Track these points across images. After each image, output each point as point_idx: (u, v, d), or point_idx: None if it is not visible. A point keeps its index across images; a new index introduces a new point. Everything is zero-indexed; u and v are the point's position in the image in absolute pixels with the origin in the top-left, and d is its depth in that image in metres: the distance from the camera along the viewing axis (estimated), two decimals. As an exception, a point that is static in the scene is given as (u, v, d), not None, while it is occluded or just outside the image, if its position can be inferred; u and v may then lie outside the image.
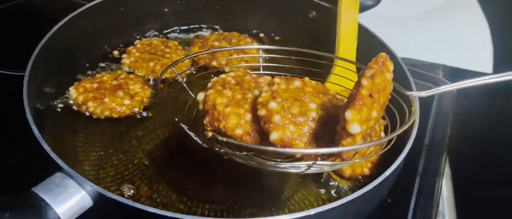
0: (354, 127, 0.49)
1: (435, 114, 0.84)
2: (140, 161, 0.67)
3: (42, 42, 0.71)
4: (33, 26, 0.94)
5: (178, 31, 0.94)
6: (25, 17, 0.97)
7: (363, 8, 0.83)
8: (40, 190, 0.50)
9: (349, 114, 0.49)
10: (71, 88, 0.75)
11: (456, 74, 0.99)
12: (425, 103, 0.83)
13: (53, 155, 0.54)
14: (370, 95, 0.50)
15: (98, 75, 0.79)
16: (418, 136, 0.63)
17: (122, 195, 0.62)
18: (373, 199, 0.62)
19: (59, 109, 0.74)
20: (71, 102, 0.74)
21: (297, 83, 0.58)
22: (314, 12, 0.88)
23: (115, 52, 0.86)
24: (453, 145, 0.82)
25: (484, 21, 1.11)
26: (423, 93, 0.64)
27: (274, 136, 0.53)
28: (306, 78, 0.60)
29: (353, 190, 0.66)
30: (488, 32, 1.07)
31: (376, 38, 0.79)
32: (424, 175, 0.74)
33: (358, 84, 0.50)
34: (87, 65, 0.82)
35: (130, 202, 0.51)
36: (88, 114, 0.73)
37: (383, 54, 0.53)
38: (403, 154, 0.60)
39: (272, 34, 0.95)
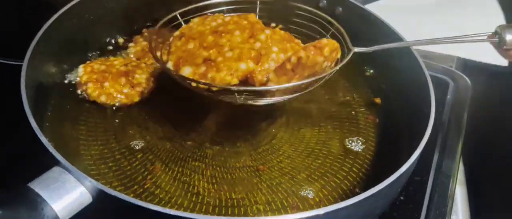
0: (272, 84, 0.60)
1: (450, 109, 0.81)
2: (143, 156, 0.65)
3: (41, 31, 0.68)
4: (34, 14, 0.91)
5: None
6: (26, 4, 0.95)
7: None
8: (36, 186, 0.47)
9: (271, 75, 0.60)
10: (80, 66, 0.73)
11: (469, 65, 0.96)
12: (439, 97, 0.81)
13: (50, 148, 0.51)
14: (292, 69, 0.59)
15: (111, 58, 0.77)
16: (432, 131, 0.61)
17: (123, 191, 0.60)
18: (386, 197, 0.59)
19: (60, 96, 0.71)
20: (77, 80, 0.72)
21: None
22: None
23: (120, 40, 0.83)
24: (467, 141, 0.79)
25: (499, 11, 1.07)
26: (363, 49, 0.67)
27: None
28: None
29: (364, 187, 0.63)
30: (503, 23, 1.03)
31: (389, 28, 0.76)
32: (438, 172, 0.71)
33: (290, 56, 0.59)
34: (93, 53, 0.80)
35: (131, 199, 0.48)
36: (85, 95, 0.71)
37: (324, 40, 0.59)
38: (418, 150, 0.57)
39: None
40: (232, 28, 0.65)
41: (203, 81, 0.60)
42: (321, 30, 0.73)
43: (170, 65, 0.63)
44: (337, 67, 0.62)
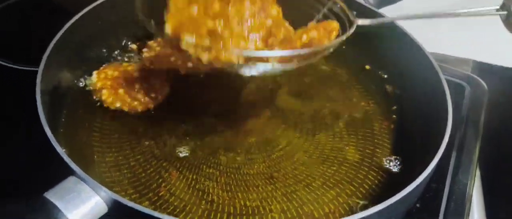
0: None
1: (466, 114, 0.80)
2: (157, 163, 0.65)
3: (57, 37, 0.68)
4: (49, 20, 0.91)
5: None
6: (41, 10, 0.95)
7: (391, 1, 0.79)
8: (52, 196, 0.47)
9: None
10: (94, 73, 0.73)
11: (485, 69, 0.95)
12: (455, 101, 0.79)
13: (65, 157, 0.51)
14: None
15: (124, 63, 0.77)
16: (449, 137, 0.60)
17: (138, 199, 0.60)
18: (403, 206, 0.58)
19: (74, 102, 0.71)
20: (91, 87, 0.72)
21: None
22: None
23: (133, 46, 0.82)
24: (483, 145, 0.78)
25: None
26: (367, 21, 0.64)
27: None
28: None
29: (380, 195, 0.62)
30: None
31: (401, 30, 0.75)
32: (454, 179, 0.70)
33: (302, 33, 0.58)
34: (106, 59, 0.80)
35: (147, 210, 0.48)
36: (100, 102, 0.71)
37: (334, 23, 0.58)
38: (437, 158, 0.56)
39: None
40: None
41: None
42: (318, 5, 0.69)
43: (168, 29, 0.55)
44: (343, 38, 0.59)
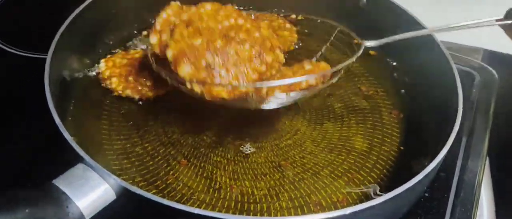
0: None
1: (476, 104, 0.79)
2: (165, 151, 0.65)
3: (65, 24, 0.68)
4: (57, 7, 0.91)
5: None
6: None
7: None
8: (61, 183, 0.48)
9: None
10: (102, 61, 0.73)
11: (496, 58, 0.94)
12: (466, 90, 0.79)
13: (74, 145, 0.51)
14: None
15: (132, 51, 0.77)
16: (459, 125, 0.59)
17: (146, 186, 0.60)
18: (412, 195, 0.58)
19: (83, 90, 0.72)
20: (100, 75, 0.72)
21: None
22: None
23: (145, 33, 0.82)
24: (493, 134, 0.77)
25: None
26: (372, 43, 0.70)
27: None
28: None
29: (388, 184, 0.62)
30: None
31: (412, 18, 0.74)
32: (464, 168, 0.70)
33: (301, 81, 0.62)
34: (118, 43, 0.80)
35: (155, 197, 0.48)
36: (110, 89, 0.71)
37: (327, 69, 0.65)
38: (446, 147, 0.56)
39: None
40: (243, 38, 0.60)
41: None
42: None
43: (169, 54, 0.59)
44: (349, 62, 0.62)
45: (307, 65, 0.66)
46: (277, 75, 0.62)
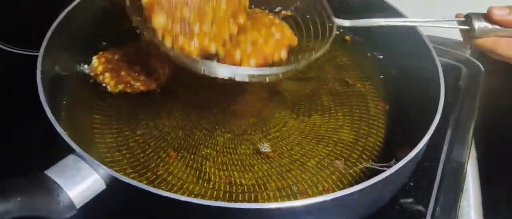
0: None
1: (462, 93, 0.81)
2: (156, 143, 0.66)
3: (57, 21, 0.70)
4: (49, 4, 0.93)
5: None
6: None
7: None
8: (53, 173, 0.49)
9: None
10: (94, 57, 0.74)
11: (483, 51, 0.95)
12: (452, 83, 0.81)
13: (65, 136, 0.53)
14: None
15: (124, 46, 0.77)
16: (443, 116, 0.61)
17: (137, 178, 0.61)
18: (394, 183, 0.59)
19: (76, 85, 0.73)
20: (92, 73, 0.73)
21: None
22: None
23: (132, 29, 0.83)
24: (479, 125, 0.79)
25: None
26: (346, 22, 0.67)
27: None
28: None
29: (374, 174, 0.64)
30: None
31: (398, 12, 0.76)
32: (448, 158, 0.71)
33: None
34: (110, 39, 0.81)
35: (143, 185, 0.50)
36: (103, 85, 0.72)
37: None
38: (427, 136, 0.58)
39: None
40: None
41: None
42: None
43: (145, 1, 0.57)
44: (326, 47, 0.62)
45: (276, 32, 0.65)
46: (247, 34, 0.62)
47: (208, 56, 0.60)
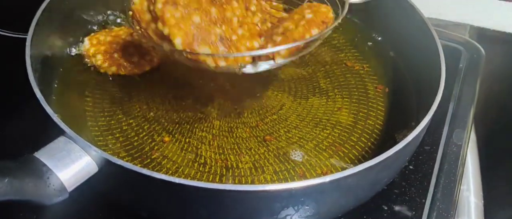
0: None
1: (462, 78, 0.80)
2: (150, 126, 0.65)
3: (45, 3, 0.67)
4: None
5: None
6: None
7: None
8: (42, 155, 0.47)
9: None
10: (86, 39, 0.73)
11: (483, 34, 0.94)
12: (452, 65, 0.79)
13: (55, 118, 0.51)
14: None
15: (115, 28, 0.76)
16: (443, 100, 0.59)
17: (130, 162, 0.60)
18: (393, 166, 0.58)
19: (67, 68, 0.71)
20: (84, 53, 0.72)
21: None
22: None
23: (124, 12, 0.82)
24: (479, 110, 0.78)
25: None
26: None
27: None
28: None
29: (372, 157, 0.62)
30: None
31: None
32: (448, 141, 0.70)
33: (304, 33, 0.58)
34: (101, 21, 0.80)
35: (136, 168, 0.48)
36: (96, 67, 0.71)
37: (330, 14, 0.60)
38: (427, 118, 0.56)
39: None
40: None
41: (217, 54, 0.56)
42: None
43: (179, 43, 0.54)
44: (336, 23, 0.60)
45: (308, 14, 0.61)
46: (280, 27, 0.61)
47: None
